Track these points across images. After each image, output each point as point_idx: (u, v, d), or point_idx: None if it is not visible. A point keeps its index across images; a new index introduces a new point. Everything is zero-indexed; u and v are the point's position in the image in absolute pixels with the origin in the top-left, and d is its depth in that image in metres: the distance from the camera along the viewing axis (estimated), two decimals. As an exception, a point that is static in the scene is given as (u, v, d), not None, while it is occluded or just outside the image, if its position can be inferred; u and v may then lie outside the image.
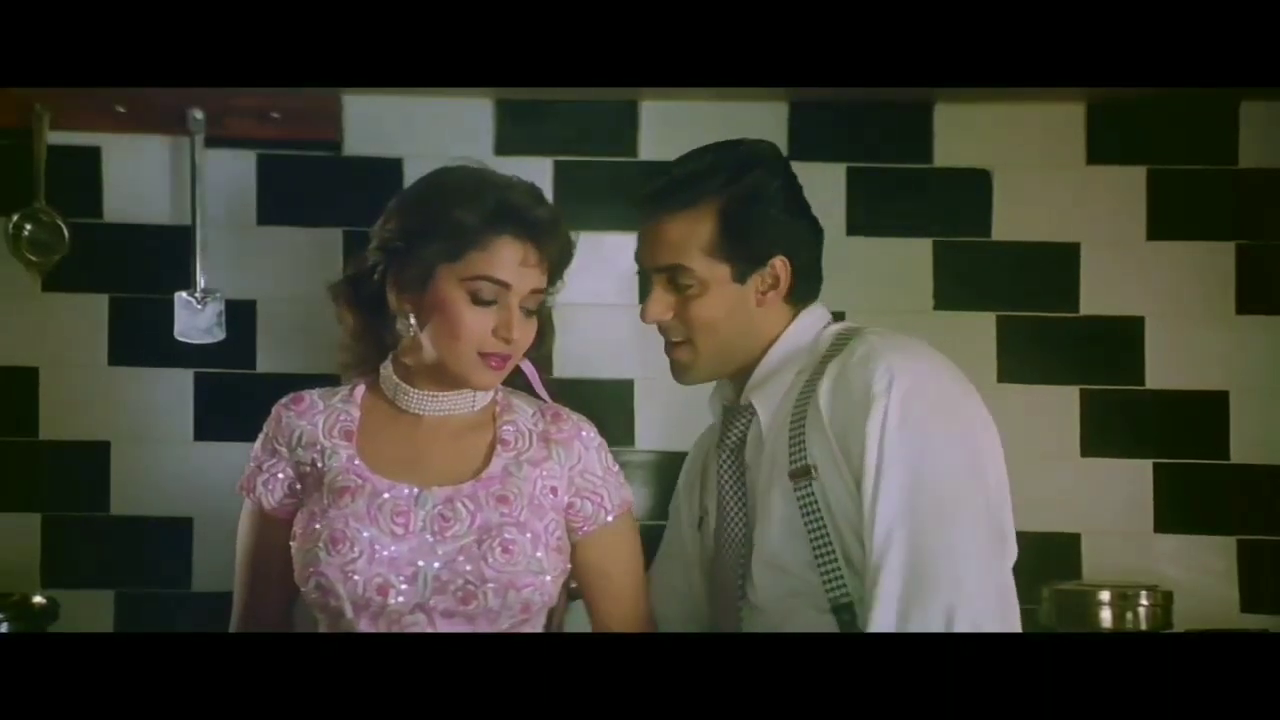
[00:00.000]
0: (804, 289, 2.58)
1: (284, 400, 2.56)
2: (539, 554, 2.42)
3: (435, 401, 2.49)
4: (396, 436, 2.50)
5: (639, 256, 2.60)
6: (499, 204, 2.42)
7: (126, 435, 3.16)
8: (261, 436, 2.55)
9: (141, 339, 3.15)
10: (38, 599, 3.00)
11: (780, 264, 2.54)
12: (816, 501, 2.43)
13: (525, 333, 2.44)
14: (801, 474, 2.45)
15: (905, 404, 2.38)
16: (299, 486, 2.50)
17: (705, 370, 2.59)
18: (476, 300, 2.41)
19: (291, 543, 2.46)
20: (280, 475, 2.51)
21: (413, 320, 2.44)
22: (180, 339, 3.12)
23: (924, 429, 2.38)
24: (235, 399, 3.14)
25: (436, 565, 2.39)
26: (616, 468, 2.55)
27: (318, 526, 2.41)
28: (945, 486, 2.36)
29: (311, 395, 2.56)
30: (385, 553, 2.39)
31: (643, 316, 2.58)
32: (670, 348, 2.58)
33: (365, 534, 2.39)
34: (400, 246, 2.44)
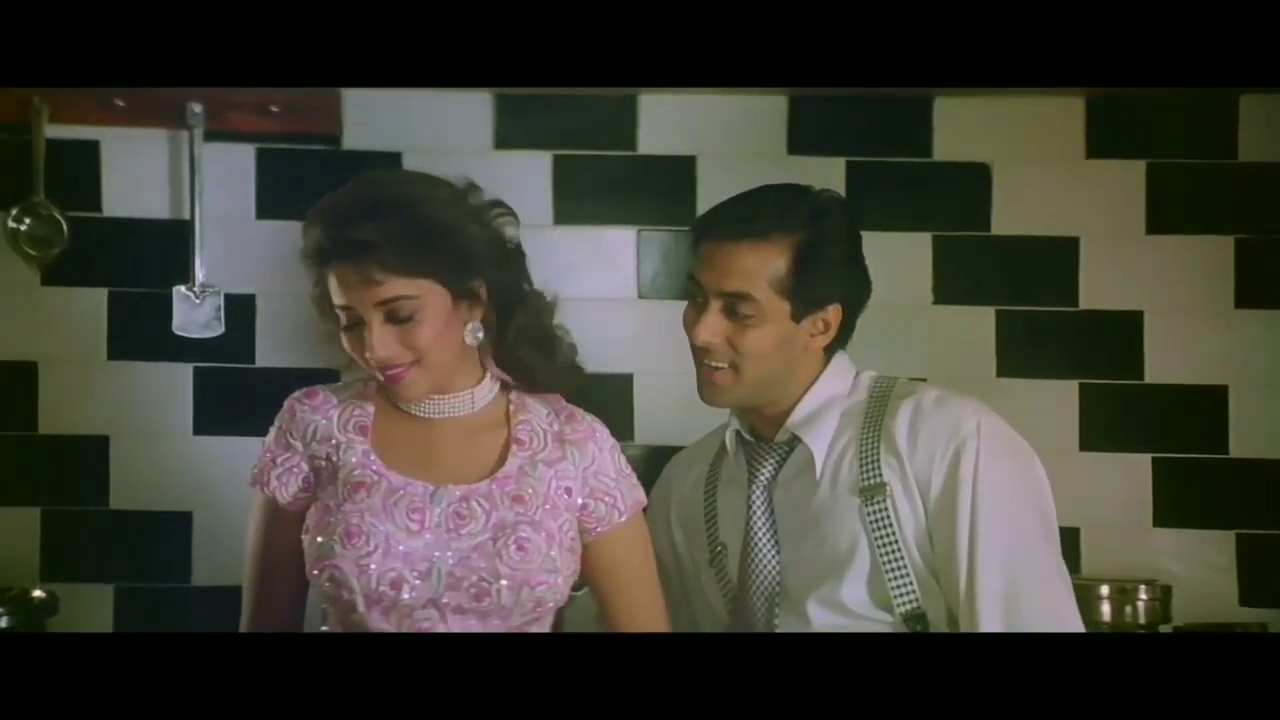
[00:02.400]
0: (841, 340, 2.66)
1: (297, 394, 2.55)
2: (553, 553, 2.43)
3: (430, 404, 2.49)
4: (410, 434, 2.49)
5: (700, 274, 2.61)
6: (316, 237, 2.41)
7: (126, 430, 3.16)
8: (274, 430, 2.53)
9: (141, 333, 3.15)
10: (37, 593, 3.01)
11: (834, 312, 2.61)
12: (889, 516, 2.54)
13: (390, 344, 2.40)
14: (876, 490, 2.55)
15: (994, 444, 2.54)
16: (313, 480, 2.50)
17: (741, 397, 2.63)
18: (347, 327, 2.42)
19: (304, 536, 2.46)
20: (295, 469, 2.50)
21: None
22: (179, 333, 3.12)
23: (1012, 466, 2.56)
24: (234, 393, 3.14)
25: (451, 561, 2.39)
26: (629, 469, 2.55)
27: (332, 520, 2.41)
28: (1032, 514, 2.56)
29: (325, 390, 2.55)
30: (400, 548, 2.39)
31: (693, 336, 2.60)
32: (709, 370, 2.61)
33: (381, 529, 2.39)
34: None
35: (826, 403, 2.63)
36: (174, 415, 3.16)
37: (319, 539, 2.42)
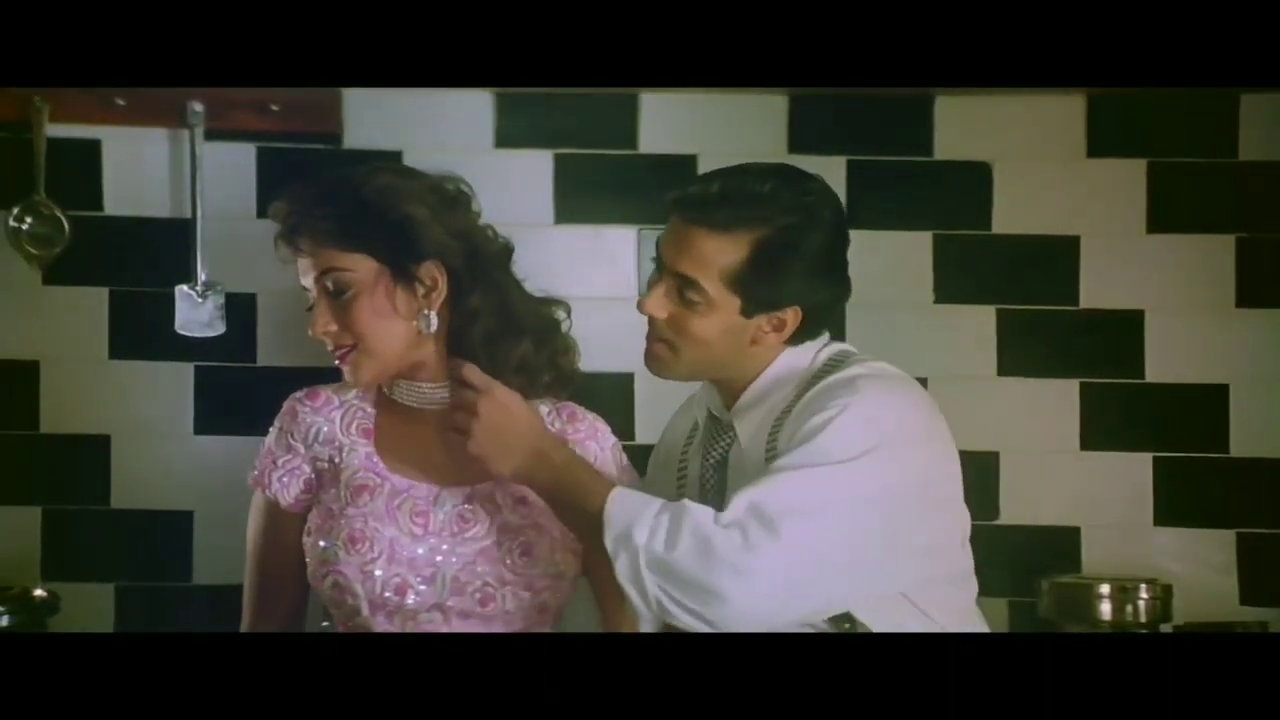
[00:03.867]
0: (806, 334, 2.53)
1: (298, 395, 2.55)
2: (557, 557, 2.44)
3: (418, 393, 2.49)
4: (412, 435, 2.49)
5: (662, 247, 2.52)
6: (275, 223, 2.50)
7: (127, 429, 3.16)
8: (275, 431, 2.54)
9: (142, 332, 3.14)
10: (38, 592, 3.00)
11: (792, 314, 2.49)
12: None
13: (329, 320, 2.45)
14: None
15: (849, 418, 2.36)
16: (315, 482, 2.50)
17: (681, 374, 2.56)
18: (307, 308, 2.49)
19: (305, 538, 2.46)
20: (296, 471, 2.50)
21: None
22: (180, 332, 3.12)
23: (851, 447, 2.35)
24: (236, 392, 3.14)
25: (455, 566, 2.40)
26: (631, 468, 2.56)
27: (335, 525, 2.41)
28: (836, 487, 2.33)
29: (327, 391, 2.55)
30: (405, 553, 2.39)
31: (639, 305, 2.53)
32: (652, 340, 2.54)
33: (385, 533, 2.39)
34: None
35: (774, 386, 2.51)
36: (175, 414, 3.16)
37: (322, 543, 2.42)
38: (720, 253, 2.45)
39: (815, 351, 2.54)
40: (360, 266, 2.43)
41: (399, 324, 2.44)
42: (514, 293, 2.52)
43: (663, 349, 2.52)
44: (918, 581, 2.42)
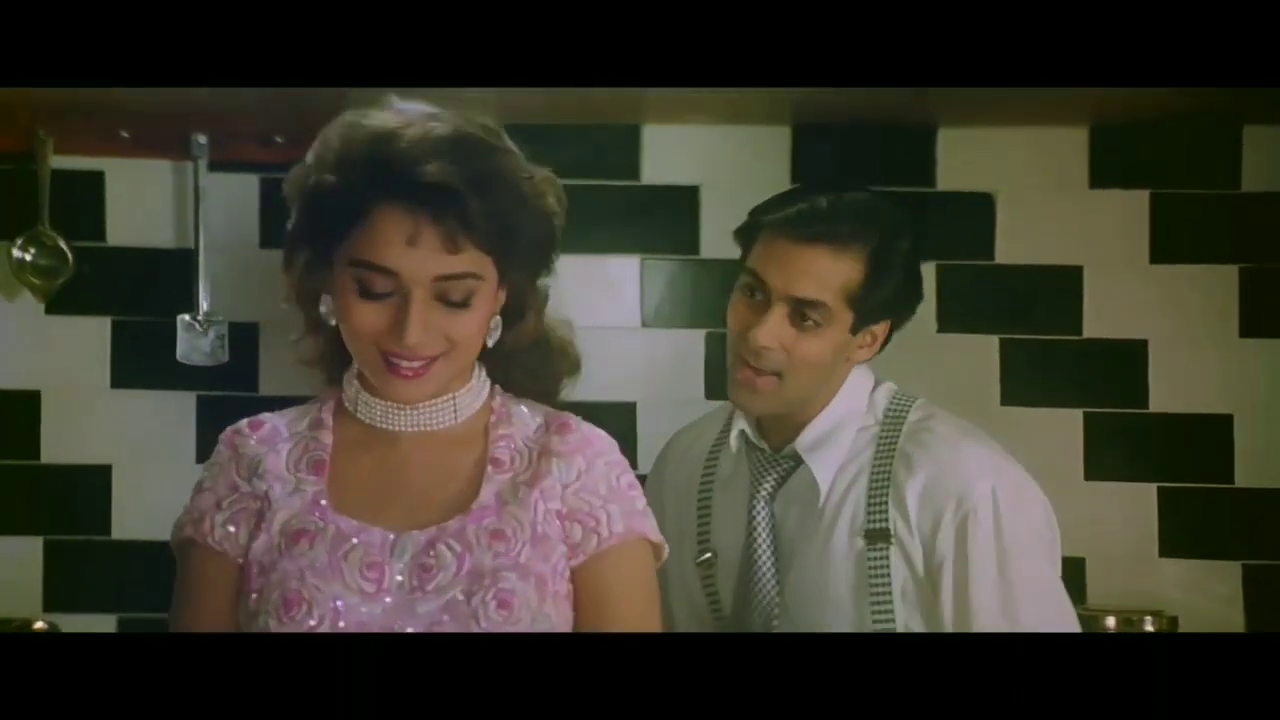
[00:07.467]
0: (877, 355, 2.60)
1: (238, 426, 2.18)
2: (546, 607, 2.02)
3: (404, 415, 2.07)
4: (370, 464, 2.08)
5: (765, 272, 2.46)
6: (372, 158, 1.92)
7: (129, 459, 3.15)
8: (213, 468, 2.14)
9: (144, 362, 3.15)
10: (39, 624, 3.00)
11: (882, 329, 2.54)
12: (888, 566, 2.46)
13: (433, 334, 1.97)
14: (880, 536, 2.47)
15: (1007, 508, 2.47)
16: (254, 525, 2.08)
17: (779, 406, 2.52)
18: (366, 293, 1.96)
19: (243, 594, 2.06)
20: (244, 512, 2.09)
21: (324, 309, 2.06)
22: (182, 362, 3.12)
23: (1025, 525, 2.50)
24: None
25: (417, 630, 1.98)
26: (633, 492, 2.13)
27: (266, 581, 2.01)
28: (1045, 566, 2.53)
29: (273, 420, 2.16)
30: (352, 617, 1.97)
31: (754, 338, 2.45)
32: (752, 373, 2.47)
33: (328, 592, 1.98)
34: (298, 224, 2.06)
35: (839, 424, 2.53)
36: (177, 444, 3.15)
37: (252, 603, 2.04)
38: (841, 269, 2.46)
39: (868, 392, 2.57)
40: (487, 273, 1.99)
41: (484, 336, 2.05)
42: (544, 288, 2.21)
43: (768, 381, 2.48)
44: None
